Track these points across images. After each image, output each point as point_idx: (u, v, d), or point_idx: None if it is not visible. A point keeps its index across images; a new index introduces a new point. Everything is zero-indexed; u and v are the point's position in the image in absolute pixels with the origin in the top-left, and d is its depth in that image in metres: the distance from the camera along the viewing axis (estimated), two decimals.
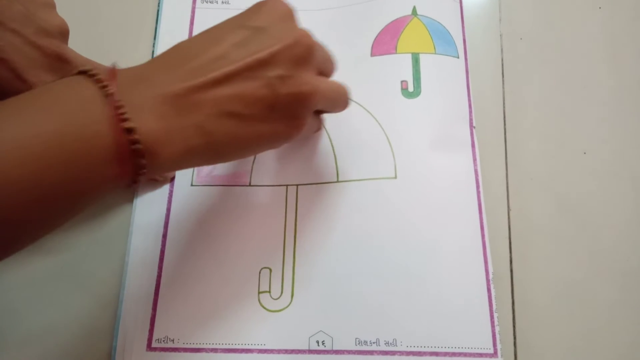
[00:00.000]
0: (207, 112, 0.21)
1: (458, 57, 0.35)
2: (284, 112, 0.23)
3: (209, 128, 0.21)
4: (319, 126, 0.31)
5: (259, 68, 0.22)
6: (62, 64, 0.28)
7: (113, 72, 0.20)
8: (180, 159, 0.21)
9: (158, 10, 0.37)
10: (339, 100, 0.28)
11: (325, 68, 0.26)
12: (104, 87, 0.19)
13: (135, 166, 0.20)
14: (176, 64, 0.21)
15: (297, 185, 0.32)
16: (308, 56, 0.23)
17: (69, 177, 0.18)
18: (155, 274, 0.30)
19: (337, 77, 0.35)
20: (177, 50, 0.22)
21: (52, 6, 0.29)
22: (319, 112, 0.29)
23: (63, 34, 0.28)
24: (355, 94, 0.34)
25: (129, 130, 0.19)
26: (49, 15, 0.28)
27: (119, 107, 0.19)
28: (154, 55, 0.36)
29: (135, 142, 0.19)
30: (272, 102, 0.22)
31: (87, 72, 0.20)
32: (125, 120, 0.19)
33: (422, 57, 0.34)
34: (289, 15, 0.24)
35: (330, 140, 0.33)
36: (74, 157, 0.18)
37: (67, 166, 0.18)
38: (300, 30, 0.23)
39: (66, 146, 0.18)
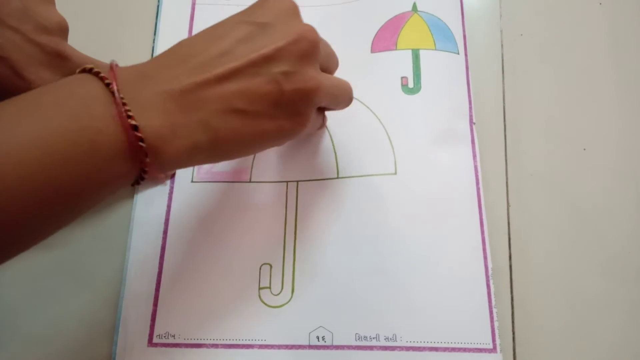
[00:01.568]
0: (212, 108, 0.21)
1: (458, 53, 0.35)
2: (289, 108, 0.23)
3: (214, 124, 0.21)
4: (322, 123, 0.31)
5: (264, 64, 0.22)
6: (62, 61, 0.27)
7: (114, 69, 0.20)
8: (185, 156, 0.21)
9: (158, 7, 0.37)
10: (343, 96, 0.28)
11: (329, 64, 0.26)
12: (108, 85, 0.19)
13: (140, 163, 0.20)
14: (180, 61, 0.21)
15: (297, 181, 0.32)
16: (312, 52, 0.23)
17: (75, 175, 0.18)
18: (156, 270, 0.30)
19: (338, 73, 0.35)
20: (181, 47, 0.22)
21: (52, 3, 0.29)
22: (322, 109, 0.29)
23: (62, 30, 0.28)
24: (355, 90, 0.34)
25: (134, 128, 0.19)
26: (48, 12, 0.28)
27: (123, 105, 0.19)
28: (154, 52, 0.36)
29: (139, 139, 0.19)
30: (277, 98, 0.22)
31: (91, 71, 0.20)
32: (129, 117, 0.19)
33: (422, 53, 0.34)
34: (293, 11, 0.24)
35: (331, 137, 0.33)
36: (80, 155, 0.18)
37: (73, 164, 0.18)
38: (305, 25, 0.23)
39: (71, 144, 0.18)
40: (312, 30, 0.23)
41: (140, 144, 0.19)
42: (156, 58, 0.22)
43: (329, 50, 0.26)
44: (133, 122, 0.19)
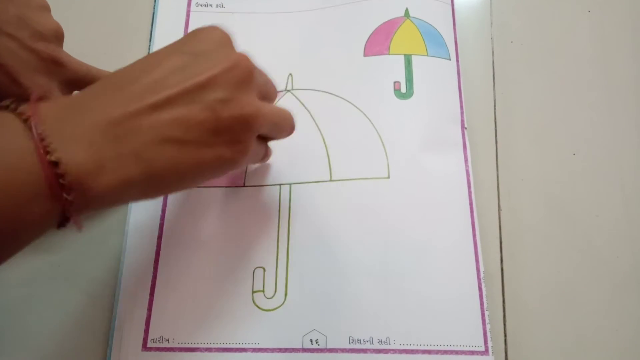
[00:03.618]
0: (145, 138, 0.20)
1: (450, 59, 0.35)
2: (228, 135, 0.22)
3: (147, 155, 0.20)
4: (266, 153, 0.30)
5: (198, 91, 0.21)
6: (58, 68, 0.28)
7: (37, 104, 0.19)
8: (116, 191, 0.20)
9: (153, 14, 0.37)
10: (284, 124, 0.27)
11: (267, 92, 0.26)
12: (26, 119, 0.18)
13: (64, 200, 0.18)
14: (111, 91, 0.21)
15: (290, 184, 0.32)
16: (248, 78, 0.23)
17: (0, 215, 0.17)
18: (151, 274, 0.30)
19: (330, 76, 0.35)
20: (113, 77, 0.22)
21: (47, 9, 0.29)
22: (265, 139, 0.28)
23: (58, 37, 0.29)
24: (348, 93, 0.34)
25: (54, 163, 0.18)
26: (44, 19, 0.28)
27: (42, 140, 0.18)
28: None
29: (62, 174, 0.18)
30: (214, 126, 0.21)
31: (8, 107, 0.19)
32: (49, 152, 0.18)
33: (414, 59, 0.35)
34: (226, 40, 0.23)
35: (324, 140, 0.33)
36: (3, 194, 0.17)
37: None
38: (239, 54, 0.23)
39: None
40: (245, 57, 0.23)
41: (63, 179, 0.18)
42: (88, 89, 0.21)
43: (265, 78, 0.26)
44: (53, 157, 0.18)
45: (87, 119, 0.19)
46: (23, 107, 0.19)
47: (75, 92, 0.29)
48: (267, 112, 0.24)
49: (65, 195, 0.18)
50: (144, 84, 0.21)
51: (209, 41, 0.23)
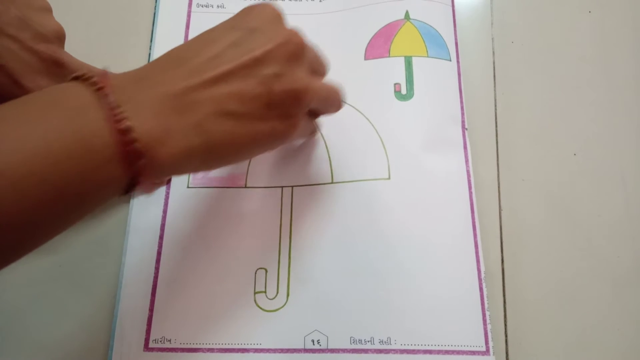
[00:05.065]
0: (206, 111, 0.21)
1: (450, 60, 0.35)
2: (279, 109, 0.23)
3: (207, 127, 0.21)
4: (313, 129, 0.31)
5: (254, 66, 0.22)
6: (59, 69, 0.28)
7: (106, 74, 0.20)
8: (180, 159, 0.21)
9: (154, 15, 0.37)
10: (333, 100, 0.28)
11: (318, 67, 0.27)
12: (99, 89, 0.19)
13: (133, 166, 0.20)
14: (173, 66, 0.22)
15: (292, 186, 0.32)
16: (300, 53, 0.24)
17: (70, 179, 0.18)
18: (153, 274, 0.30)
19: (331, 79, 0.35)
20: (173, 53, 0.23)
21: (49, 10, 0.29)
22: (313, 115, 0.29)
23: (60, 38, 0.29)
24: (349, 96, 0.34)
25: (127, 130, 0.19)
26: (45, 20, 0.28)
27: (114, 108, 0.19)
28: (151, 59, 0.36)
29: (133, 140, 0.19)
30: (267, 100, 0.22)
31: (81, 77, 0.20)
32: (121, 120, 0.19)
33: (414, 60, 0.35)
34: (278, 17, 0.24)
35: (325, 142, 0.33)
36: (74, 159, 0.18)
37: (68, 168, 0.18)
38: (290, 29, 0.24)
39: (65, 148, 0.18)
40: (297, 33, 0.24)
41: (134, 145, 0.19)
42: (150, 63, 0.22)
43: (316, 54, 0.27)
44: (125, 125, 0.19)
45: (153, 90, 0.20)
46: (95, 79, 0.20)
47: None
48: (316, 87, 0.25)
49: (134, 161, 0.19)
50: (203, 59, 0.22)
51: (261, 18, 0.24)
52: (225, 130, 0.22)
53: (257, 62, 0.22)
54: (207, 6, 0.38)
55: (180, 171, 0.22)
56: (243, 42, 0.23)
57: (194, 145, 0.21)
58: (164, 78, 0.21)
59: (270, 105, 0.23)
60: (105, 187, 0.20)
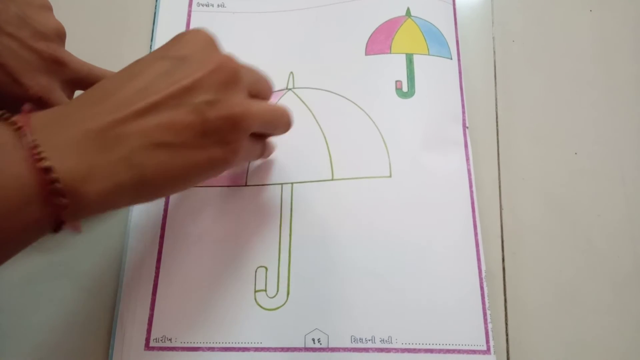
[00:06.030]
0: (134, 144, 0.20)
1: (451, 59, 0.35)
2: (217, 136, 0.22)
3: (137, 161, 0.21)
4: (263, 151, 0.30)
5: (184, 95, 0.22)
6: (59, 67, 0.28)
7: (29, 113, 0.20)
8: (109, 196, 0.20)
9: (155, 14, 0.37)
10: (278, 121, 0.27)
11: (259, 90, 0.26)
12: (18, 129, 0.19)
13: (56, 207, 0.19)
14: (98, 100, 0.21)
15: (292, 183, 0.32)
16: (234, 79, 0.23)
17: None
18: (153, 273, 0.30)
19: (332, 75, 0.35)
20: (99, 87, 0.22)
21: (49, 9, 0.29)
22: (262, 137, 0.28)
23: (60, 36, 0.28)
24: (349, 92, 0.34)
25: (47, 170, 0.18)
26: (45, 18, 0.28)
27: (33, 147, 0.19)
28: None
29: (54, 180, 0.19)
30: (202, 128, 0.22)
31: (1, 117, 0.20)
32: (41, 160, 0.18)
33: (416, 58, 0.35)
34: (210, 43, 0.24)
35: (325, 139, 0.33)
36: None
37: None
38: (223, 55, 0.23)
39: None
40: (230, 58, 0.23)
41: (55, 185, 0.19)
42: (76, 99, 0.22)
43: (256, 76, 0.26)
44: (46, 164, 0.18)
45: (76, 127, 0.20)
46: (15, 118, 0.19)
47: (78, 90, 0.29)
48: (256, 111, 0.24)
49: (57, 201, 0.19)
50: (130, 91, 0.21)
51: (192, 44, 0.23)
52: (157, 162, 0.21)
53: (187, 91, 0.22)
54: (207, 5, 0.37)
55: (111, 207, 0.22)
56: (172, 71, 0.22)
57: (123, 181, 0.20)
58: (87, 113, 0.20)
59: (205, 133, 0.22)
60: (29, 228, 0.19)
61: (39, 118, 0.20)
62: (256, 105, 0.24)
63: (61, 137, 0.20)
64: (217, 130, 0.22)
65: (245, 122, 0.23)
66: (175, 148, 0.21)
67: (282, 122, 0.28)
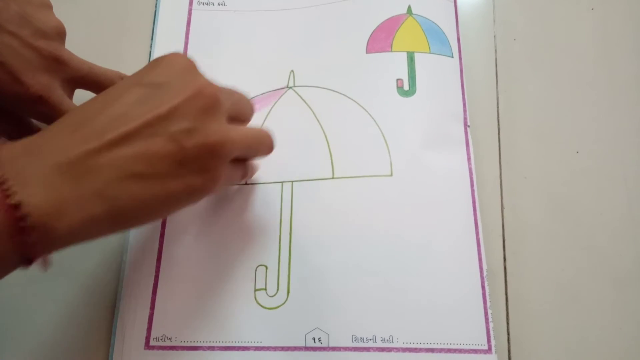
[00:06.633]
0: (108, 176, 0.20)
1: (452, 57, 0.35)
2: (195, 165, 0.22)
3: (111, 193, 0.20)
4: (244, 173, 0.29)
5: (160, 123, 0.21)
6: (60, 66, 0.28)
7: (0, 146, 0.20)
8: (82, 230, 0.20)
9: (155, 12, 0.37)
10: (260, 145, 0.27)
11: (239, 113, 0.25)
12: None
13: (26, 243, 0.18)
14: (70, 130, 0.20)
15: (292, 181, 0.32)
16: (213, 105, 0.22)
17: None
18: (153, 272, 0.30)
19: (332, 73, 0.35)
20: (73, 115, 0.21)
21: (49, 7, 0.29)
22: (242, 161, 0.28)
23: (60, 35, 0.28)
24: (350, 90, 0.34)
25: (16, 206, 0.18)
26: (45, 17, 0.28)
27: (3, 183, 0.18)
28: (152, 57, 0.36)
29: (24, 216, 0.18)
30: (179, 157, 0.21)
31: None
32: (10, 195, 0.18)
33: (417, 56, 0.34)
34: (189, 67, 0.23)
35: (326, 137, 0.33)
36: None
37: None
38: (202, 80, 0.23)
39: None
40: (209, 84, 0.23)
41: (26, 220, 0.18)
42: (48, 128, 0.21)
43: (235, 98, 0.25)
44: (15, 199, 0.18)
45: (48, 159, 0.19)
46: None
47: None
48: (236, 137, 0.23)
49: (26, 237, 0.18)
50: (102, 120, 0.21)
51: (170, 70, 0.22)
52: (132, 193, 0.20)
53: (163, 119, 0.21)
54: (208, 4, 0.37)
55: (86, 239, 0.21)
56: (148, 98, 0.21)
57: (96, 213, 0.20)
58: (60, 144, 0.20)
59: (183, 162, 0.21)
60: None
61: (9, 150, 0.19)
62: (235, 131, 0.24)
63: (31, 170, 0.19)
64: (195, 158, 0.22)
65: (225, 149, 0.22)
66: (151, 178, 0.21)
67: (263, 146, 0.27)
